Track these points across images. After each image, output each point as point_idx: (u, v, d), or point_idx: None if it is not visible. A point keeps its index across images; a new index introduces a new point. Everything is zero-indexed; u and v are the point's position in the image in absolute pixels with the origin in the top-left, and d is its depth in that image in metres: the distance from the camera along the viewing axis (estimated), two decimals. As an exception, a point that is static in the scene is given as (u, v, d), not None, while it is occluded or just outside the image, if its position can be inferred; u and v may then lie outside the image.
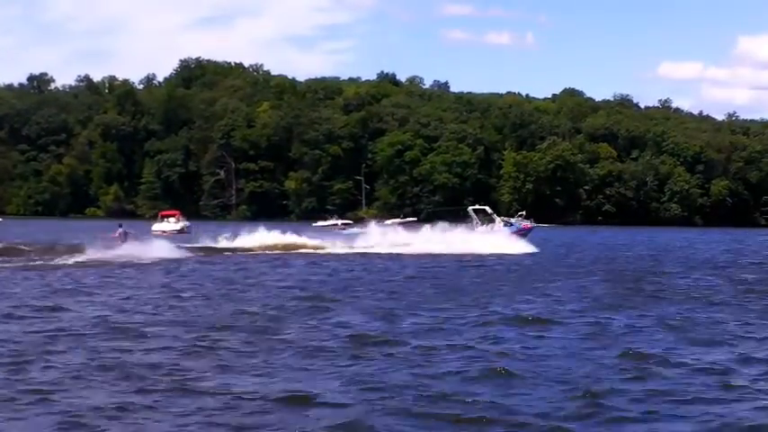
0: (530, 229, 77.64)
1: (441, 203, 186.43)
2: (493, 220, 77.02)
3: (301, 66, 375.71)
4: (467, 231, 66.61)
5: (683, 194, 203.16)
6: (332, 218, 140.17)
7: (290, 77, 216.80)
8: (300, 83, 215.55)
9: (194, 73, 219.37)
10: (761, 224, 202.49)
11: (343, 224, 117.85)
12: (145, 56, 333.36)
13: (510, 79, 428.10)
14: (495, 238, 64.25)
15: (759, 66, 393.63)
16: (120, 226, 57.30)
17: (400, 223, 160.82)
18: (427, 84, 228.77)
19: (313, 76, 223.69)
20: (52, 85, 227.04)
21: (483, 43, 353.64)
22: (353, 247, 60.37)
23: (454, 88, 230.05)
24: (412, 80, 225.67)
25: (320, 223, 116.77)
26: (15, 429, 12.63)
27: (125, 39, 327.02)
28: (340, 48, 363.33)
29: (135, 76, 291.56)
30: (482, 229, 73.70)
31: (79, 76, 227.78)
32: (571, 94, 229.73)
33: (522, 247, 61.13)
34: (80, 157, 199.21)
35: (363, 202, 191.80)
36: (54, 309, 24.77)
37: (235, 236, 60.01)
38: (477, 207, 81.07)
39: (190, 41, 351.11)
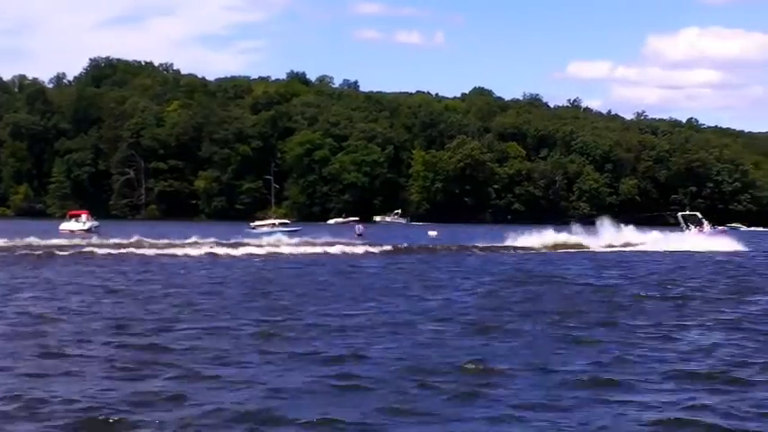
0: (723, 232, 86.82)
1: (350, 202, 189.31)
2: (701, 224, 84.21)
3: (213, 65, 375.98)
4: (688, 233, 78.79)
5: (592, 193, 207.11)
6: (269, 217, 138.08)
7: (200, 77, 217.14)
8: (211, 82, 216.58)
9: (105, 72, 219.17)
10: (670, 223, 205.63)
11: (280, 224, 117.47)
12: (56, 55, 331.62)
13: (420, 78, 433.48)
14: (710, 240, 74.43)
15: (668, 65, 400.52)
16: None
17: (343, 223, 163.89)
18: (337, 83, 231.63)
19: (224, 76, 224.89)
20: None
21: (393, 42, 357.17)
22: (611, 246, 71.24)
23: (364, 87, 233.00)
24: (322, 79, 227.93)
25: (258, 223, 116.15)
26: None
27: (36, 38, 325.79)
28: (252, 47, 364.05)
29: (45, 75, 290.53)
30: (693, 231, 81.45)
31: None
32: (480, 93, 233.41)
33: (732, 245, 71.80)
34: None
35: (273, 201, 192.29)
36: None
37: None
38: (686, 213, 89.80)
39: (101, 40, 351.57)
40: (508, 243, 68.33)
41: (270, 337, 20.08)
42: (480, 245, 65.37)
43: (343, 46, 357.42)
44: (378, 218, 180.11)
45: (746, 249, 71.29)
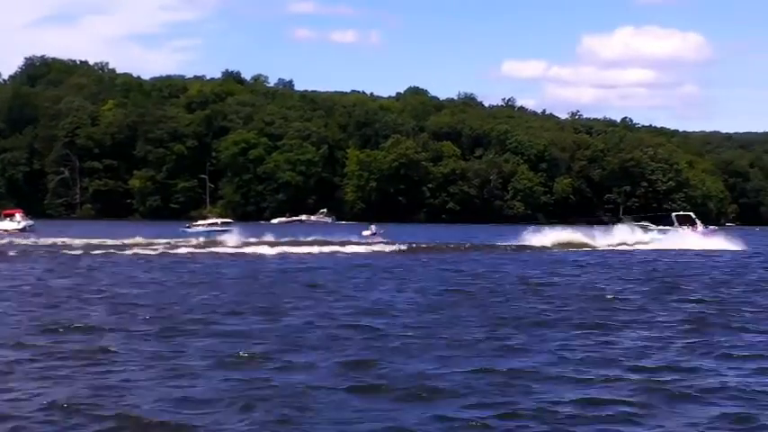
0: (714, 232, 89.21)
1: (284, 202, 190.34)
2: (695, 223, 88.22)
3: (148, 64, 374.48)
4: (682, 233, 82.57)
5: (527, 192, 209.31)
6: (208, 217, 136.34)
7: (135, 76, 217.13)
8: (146, 81, 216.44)
9: (40, 71, 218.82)
10: (604, 222, 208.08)
11: (222, 223, 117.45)
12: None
13: (355, 78, 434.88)
14: (706, 239, 77.64)
15: (602, 65, 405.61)
16: None
17: (287, 222, 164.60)
18: (272, 82, 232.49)
19: (159, 75, 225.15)
20: None
21: (328, 41, 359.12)
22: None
23: (299, 86, 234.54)
24: (257, 78, 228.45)
25: (200, 222, 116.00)
26: None
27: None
28: (186, 46, 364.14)
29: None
30: (686, 231, 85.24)
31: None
32: (415, 92, 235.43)
33: (724, 244, 74.58)
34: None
35: (208, 200, 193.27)
36: None
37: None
38: (680, 213, 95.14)
39: (36, 39, 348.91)
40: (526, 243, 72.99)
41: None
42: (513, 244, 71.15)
43: (277, 45, 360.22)
44: (303, 217, 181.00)
45: (744, 248, 73.37)
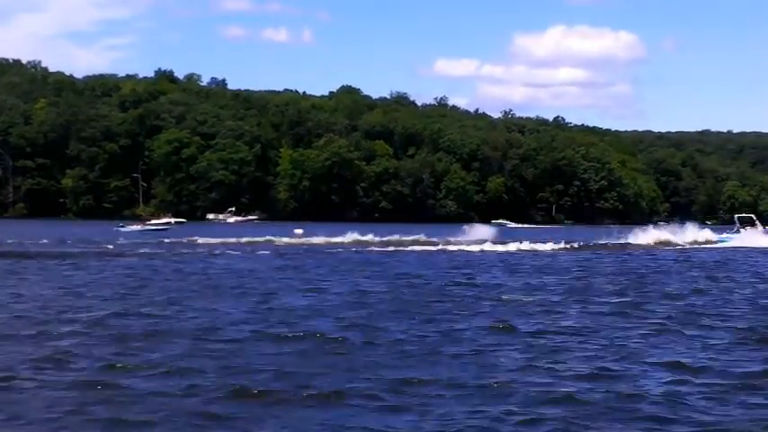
0: None
1: (217, 200, 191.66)
2: (755, 224, 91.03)
3: (80, 62, 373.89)
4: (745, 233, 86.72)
5: (460, 191, 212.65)
6: (159, 217, 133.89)
7: (68, 74, 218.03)
8: (79, 80, 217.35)
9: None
10: (536, 220, 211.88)
11: (176, 222, 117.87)
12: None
13: (287, 76, 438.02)
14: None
15: (534, 64, 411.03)
16: None
17: (243, 221, 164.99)
18: (205, 81, 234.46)
19: (92, 73, 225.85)
20: None
21: (261, 39, 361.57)
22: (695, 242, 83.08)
23: (232, 85, 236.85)
24: (190, 77, 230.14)
25: (154, 221, 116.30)
26: None
27: None
28: (119, 44, 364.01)
29: None
30: (749, 231, 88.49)
31: None
32: (348, 91, 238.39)
33: None
34: None
35: (141, 199, 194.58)
36: None
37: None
38: (742, 215, 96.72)
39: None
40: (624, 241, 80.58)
41: None
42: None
43: (209, 43, 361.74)
44: (211, 215, 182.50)
45: None
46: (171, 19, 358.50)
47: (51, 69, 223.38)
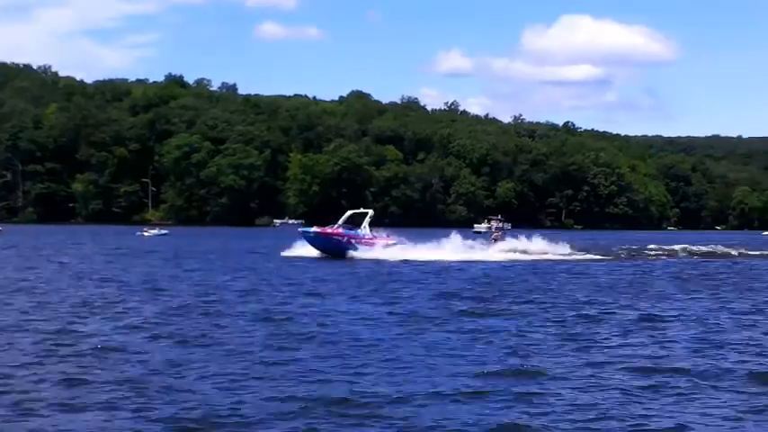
0: None
1: (227, 206, 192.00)
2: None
3: (95, 64, 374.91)
4: None
5: (469, 196, 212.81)
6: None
7: (78, 79, 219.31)
8: (89, 84, 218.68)
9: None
10: (546, 225, 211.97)
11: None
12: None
13: (298, 81, 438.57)
14: None
15: (544, 61, 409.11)
16: None
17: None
18: (215, 86, 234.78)
19: (102, 78, 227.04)
20: None
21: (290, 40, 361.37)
22: None
23: (242, 90, 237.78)
24: (200, 82, 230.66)
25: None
26: None
27: None
28: (142, 42, 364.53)
29: None
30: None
31: None
32: (358, 96, 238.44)
33: None
34: None
35: (150, 204, 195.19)
36: None
37: None
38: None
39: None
40: None
41: None
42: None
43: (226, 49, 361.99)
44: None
45: None
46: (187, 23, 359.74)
47: (64, 72, 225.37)
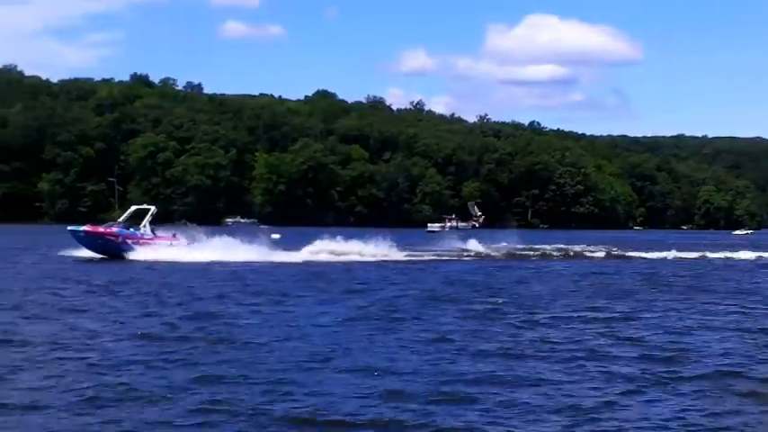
0: None
1: (193, 205, 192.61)
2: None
3: (59, 63, 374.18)
4: None
5: (435, 196, 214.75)
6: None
7: (43, 78, 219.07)
8: (54, 83, 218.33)
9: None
10: (512, 225, 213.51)
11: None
12: None
13: (263, 80, 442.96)
14: None
15: (507, 60, 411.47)
16: None
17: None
18: (180, 85, 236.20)
19: (67, 77, 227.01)
20: None
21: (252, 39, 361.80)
22: None
23: (207, 89, 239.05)
24: (165, 81, 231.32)
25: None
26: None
27: None
28: (106, 41, 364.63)
29: None
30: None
31: None
32: (324, 95, 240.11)
33: None
34: None
35: (116, 203, 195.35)
36: None
37: None
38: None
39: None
40: None
41: None
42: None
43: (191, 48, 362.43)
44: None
45: None
46: (151, 22, 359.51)
47: (29, 70, 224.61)
